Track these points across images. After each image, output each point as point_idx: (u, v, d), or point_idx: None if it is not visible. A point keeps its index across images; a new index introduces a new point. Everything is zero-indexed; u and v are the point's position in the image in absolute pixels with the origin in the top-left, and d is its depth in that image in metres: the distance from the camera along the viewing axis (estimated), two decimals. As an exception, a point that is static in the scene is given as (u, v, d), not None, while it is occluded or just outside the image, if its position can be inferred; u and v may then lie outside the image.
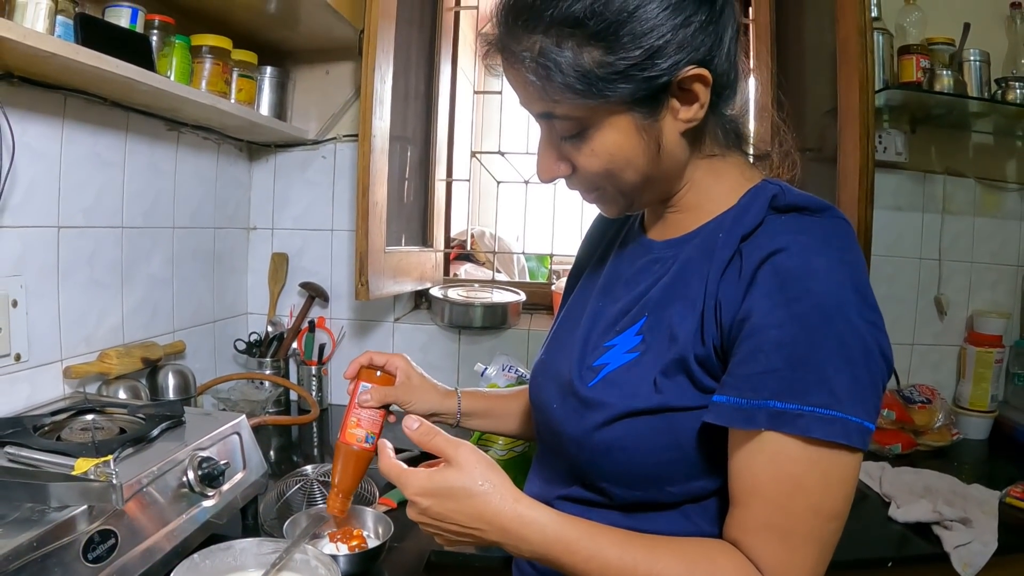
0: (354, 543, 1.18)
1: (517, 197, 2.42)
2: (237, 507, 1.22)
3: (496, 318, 2.14)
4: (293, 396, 2.13)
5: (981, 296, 2.18)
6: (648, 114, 0.75)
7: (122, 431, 1.16)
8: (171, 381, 1.66)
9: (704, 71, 0.73)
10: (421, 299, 2.35)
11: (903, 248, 2.14)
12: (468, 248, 2.59)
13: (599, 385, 0.82)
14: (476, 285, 2.31)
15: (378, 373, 1.08)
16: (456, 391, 1.15)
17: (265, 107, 1.99)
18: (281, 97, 2.04)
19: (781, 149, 0.92)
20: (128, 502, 0.96)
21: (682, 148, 0.80)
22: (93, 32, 1.28)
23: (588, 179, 0.83)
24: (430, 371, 1.16)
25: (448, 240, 2.50)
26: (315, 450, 1.83)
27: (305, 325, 2.14)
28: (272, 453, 1.75)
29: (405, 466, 0.82)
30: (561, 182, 0.86)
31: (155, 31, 1.51)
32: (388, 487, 1.45)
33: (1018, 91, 1.88)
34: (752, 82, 0.96)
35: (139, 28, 1.43)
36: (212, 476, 1.12)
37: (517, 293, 2.25)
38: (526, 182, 2.37)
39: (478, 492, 0.76)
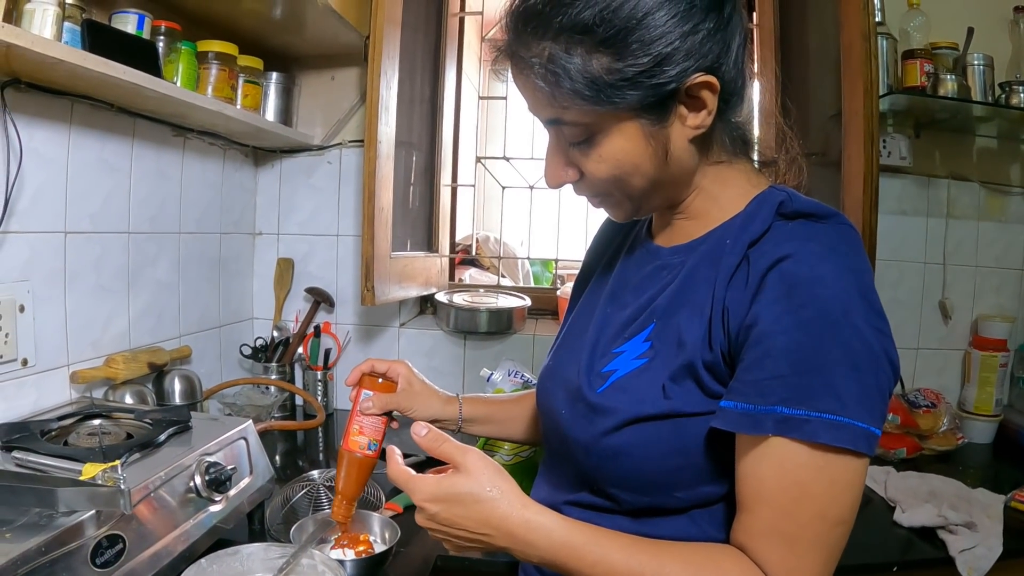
0: (360, 548, 1.19)
1: (522, 202, 2.42)
2: (244, 512, 1.22)
3: (501, 323, 2.15)
4: (299, 401, 2.13)
5: (985, 300, 2.18)
6: (656, 121, 0.76)
7: (129, 436, 1.16)
8: (177, 386, 1.66)
9: (712, 78, 0.74)
10: (426, 304, 2.35)
11: (907, 252, 2.14)
12: (473, 253, 2.59)
13: (608, 391, 0.82)
14: (481, 290, 2.31)
15: (380, 380, 1.08)
16: (458, 397, 1.16)
17: (271, 113, 2.00)
18: (287, 103, 2.05)
19: (787, 156, 0.92)
20: (136, 507, 0.96)
21: (690, 155, 0.80)
22: (100, 38, 1.29)
23: (595, 185, 0.83)
24: (436, 376, 1.16)
25: (453, 245, 2.50)
26: (321, 455, 1.83)
27: (311, 330, 2.14)
28: (278, 458, 1.75)
29: (413, 472, 0.83)
30: (567, 187, 0.86)
31: (162, 37, 1.51)
32: (395, 492, 1.45)
33: (1022, 95, 1.88)
34: (756, 87, 0.96)
35: (146, 34, 1.44)
36: (219, 481, 1.12)
37: (522, 298, 2.25)
38: (531, 187, 2.37)
39: (486, 498, 0.77)
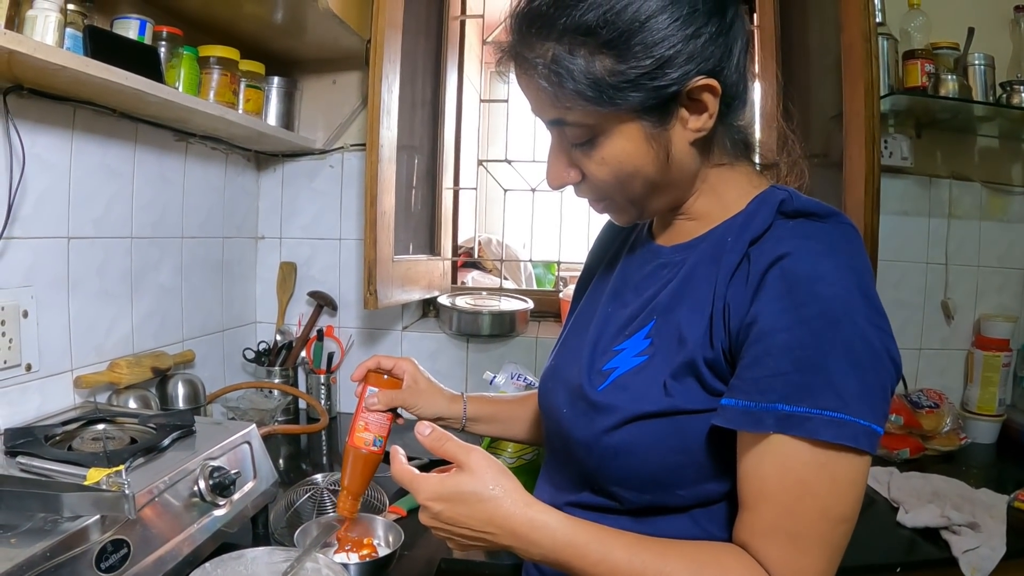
0: (364, 552, 1.19)
1: (524, 204, 2.42)
2: (248, 516, 1.22)
3: (504, 326, 2.15)
4: (302, 405, 2.14)
5: (988, 300, 2.18)
6: (657, 123, 0.76)
7: (133, 441, 1.16)
8: (181, 390, 1.66)
9: (713, 82, 0.74)
10: (429, 307, 2.35)
11: (909, 253, 2.14)
12: (475, 256, 2.59)
13: (609, 389, 0.83)
14: (484, 293, 2.31)
15: (385, 377, 1.09)
16: (462, 396, 1.16)
17: (273, 117, 2.00)
18: (288, 107, 2.05)
19: (789, 158, 0.92)
20: (140, 511, 0.96)
21: (691, 157, 0.81)
22: (102, 44, 1.29)
23: (597, 187, 0.83)
24: (438, 379, 1.16)
25: (455, 248, 2.50)
26: (324, 458, 1.84)
27: (314, 334, 2.15)
28: (281, 462, 1.76)
29: (417, 471, 0.83)
30: (569, 189, 0.87)
31: (163, 42, 1.52)
32: (398, 495, 1.45)
33: (1023, 94, 1.88)
34: (757, 88, 0.97)
35: (147, 40, 1.45)
36: (223, 485, 1.12)
37: (525, 301, 2.25)
38: (533, 190, 2.38)
39: (489, 497, 0.77)
